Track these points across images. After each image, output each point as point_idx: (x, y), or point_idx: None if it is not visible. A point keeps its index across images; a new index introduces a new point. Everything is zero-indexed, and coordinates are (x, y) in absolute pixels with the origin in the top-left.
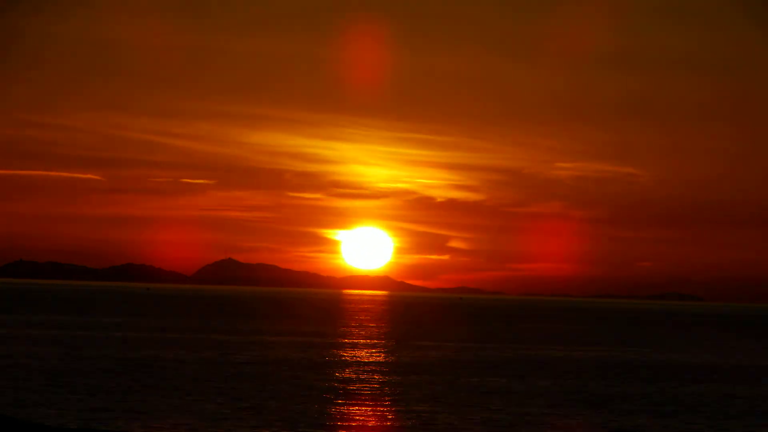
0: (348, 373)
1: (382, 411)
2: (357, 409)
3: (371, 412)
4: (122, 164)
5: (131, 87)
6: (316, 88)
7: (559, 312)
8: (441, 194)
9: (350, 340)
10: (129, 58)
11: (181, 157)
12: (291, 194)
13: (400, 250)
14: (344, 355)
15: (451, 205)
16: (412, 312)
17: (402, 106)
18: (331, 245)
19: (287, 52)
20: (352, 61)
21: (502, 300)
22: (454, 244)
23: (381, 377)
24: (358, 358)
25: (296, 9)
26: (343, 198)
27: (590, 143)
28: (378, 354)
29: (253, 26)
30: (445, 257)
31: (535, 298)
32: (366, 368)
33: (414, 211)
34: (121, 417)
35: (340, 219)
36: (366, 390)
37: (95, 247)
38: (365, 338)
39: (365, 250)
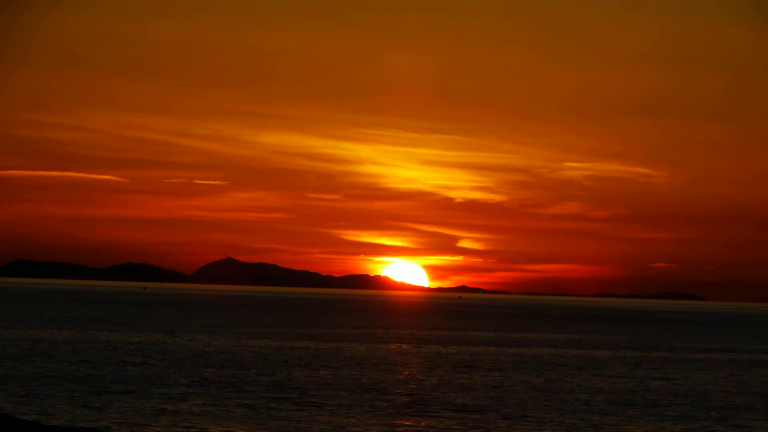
0: None
1: None
2: None
3: None
4: (138, 165)
5: (147, 87)
6: (333, 88)
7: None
8: (460, 195)
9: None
10: (144, 57)
11: (196, 158)
12: (307, 195)
13: (411, 251)
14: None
15: (469, 206)
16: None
17: (421, 106)
18: (345, 246)
19: (304, 52)
20: (371, 61)
21: (521, 300)
22: (466, 244)
23: None
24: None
25: (315, 8)
26: (361, 199)
27: (606, 144)
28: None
29: (271, 24)
30: (459, 258)
31: (537, 298)
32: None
33: (431, 212)
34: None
35: (357, 220)
36: None
37: (96, 247)
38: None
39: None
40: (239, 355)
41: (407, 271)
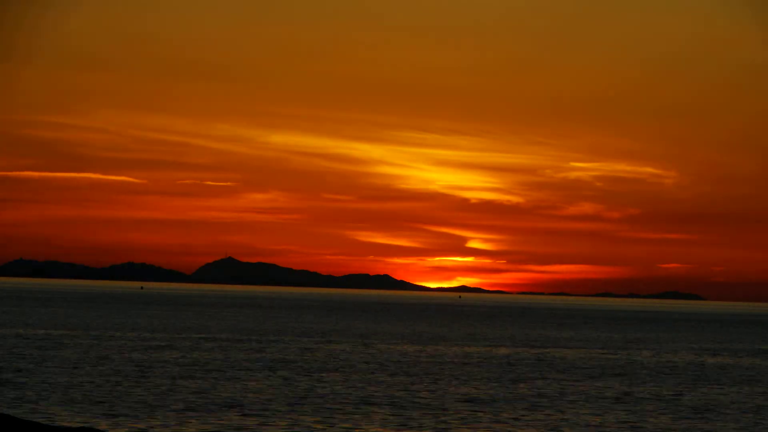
0: None
1: None
2: None
3: None
4: (155, 166)
5: (162, 87)
6: (347, 88)
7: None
8: (476, 196)
9: None
10: (160, 57)
11: (210, 159)
12: (321, 196)
13: (422, 252)
14: None
15: (485, 207)
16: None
17: (436, 106)
18: (357, 247)
19: (317, 52)
20: (384, 62)
21: (527, 300)
22: (477, 245)
23: None
24: None
25: (328, 7)
26: (376, 200)
27: (614, 143)
28: None
29: (284, 24)
30: (470, 259)
31: (535, 299)
32: None
33: (446, 213)
34: None
35: (371, 222)
36: None
37: (96, 246)
38: None
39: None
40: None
41: (411, 271)
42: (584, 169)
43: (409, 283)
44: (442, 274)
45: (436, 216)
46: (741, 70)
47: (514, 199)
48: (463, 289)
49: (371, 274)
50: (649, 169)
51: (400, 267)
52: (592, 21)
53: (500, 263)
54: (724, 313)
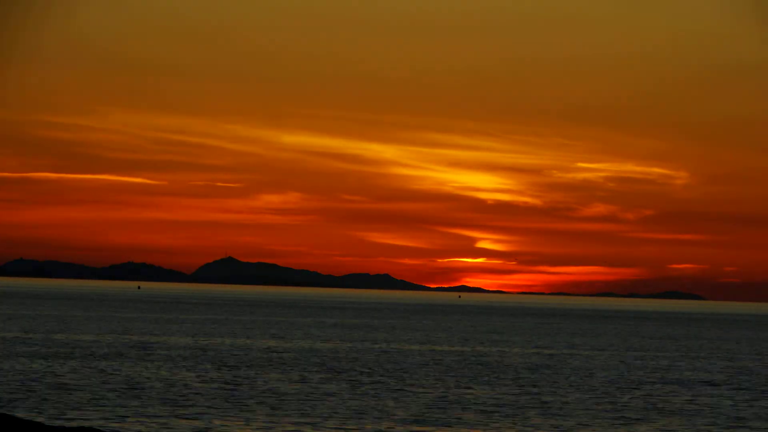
0: None
1: None
2: None
3: None
4: (167, 167)
5: (176, 87)
6: (360, 89)
7: None
8: (492, 197)
9: None
10: (171, 57)
11: (223, 160)
12: (333, 196)
13: (431, 253)
14: None
15: (502, 208)
16: None
17: (453, 107)
18: (369, 248)
19: (331, 52)
20: (397, 62)
21: (531, 301)
22: (488, 245)
23: None
24: None
25: (342, 9)
26: (389, 201)
27: (633, 146)
28: None
29: (296, 25)
30: (481, 260)
31: (535, 299)
32: None
33: (458, 214)
34: None
35: (383, 222)
36: None
37: (96, 246)
38: None
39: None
40: None
41: (421, 272)
42: (593, 169)
43: (409, 282)
44: (452, 275)
45: (450, 217)
46: (754, 72)
47: (530, 200)
48: (462, 288)
49: (371, 273)
50: (658, 170)
51: (410, 268)
52: (603, 24)
53: (510, 264)
54: None
